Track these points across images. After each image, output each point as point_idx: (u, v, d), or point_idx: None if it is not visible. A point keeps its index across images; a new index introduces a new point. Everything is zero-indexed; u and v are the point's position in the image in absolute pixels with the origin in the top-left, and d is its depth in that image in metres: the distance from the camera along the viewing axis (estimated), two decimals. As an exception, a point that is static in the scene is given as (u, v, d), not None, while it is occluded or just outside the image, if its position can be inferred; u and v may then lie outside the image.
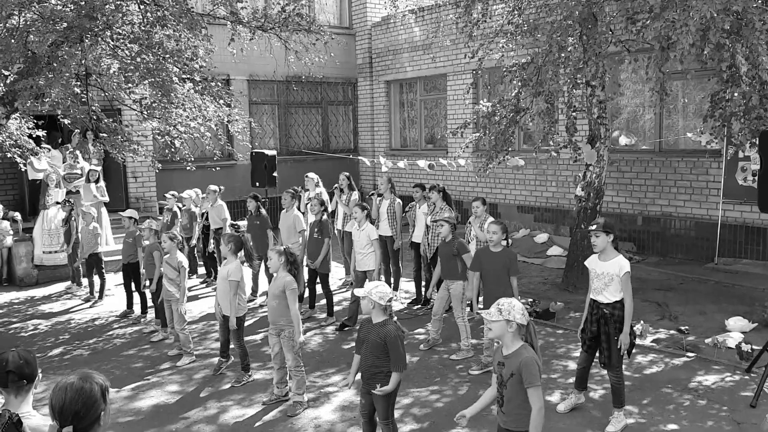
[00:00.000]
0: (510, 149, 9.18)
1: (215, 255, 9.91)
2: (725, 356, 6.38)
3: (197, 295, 9.49)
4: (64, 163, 11.28)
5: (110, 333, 8.01)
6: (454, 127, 11.14)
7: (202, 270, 10.60)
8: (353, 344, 5.55)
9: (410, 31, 15.01)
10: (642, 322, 7.10)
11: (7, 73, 7.39)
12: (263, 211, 9.08)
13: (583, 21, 7.82)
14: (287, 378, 5.81)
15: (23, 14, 7.32)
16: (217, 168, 11.84)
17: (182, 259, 7.07)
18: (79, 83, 8.24)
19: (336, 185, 9.54)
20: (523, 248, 11.22)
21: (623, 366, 5.16)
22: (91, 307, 9.21)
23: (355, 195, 9.42)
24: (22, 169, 10.42)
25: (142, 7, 8.09)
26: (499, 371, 3.62)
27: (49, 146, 10.53)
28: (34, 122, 8.83)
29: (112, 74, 8.51)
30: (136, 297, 8.59)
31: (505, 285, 5.91)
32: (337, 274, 9.82)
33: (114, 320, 8.52)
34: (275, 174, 11.07)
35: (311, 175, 10.00)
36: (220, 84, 9.35)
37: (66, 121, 8.69)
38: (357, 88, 16.81)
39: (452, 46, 13.07)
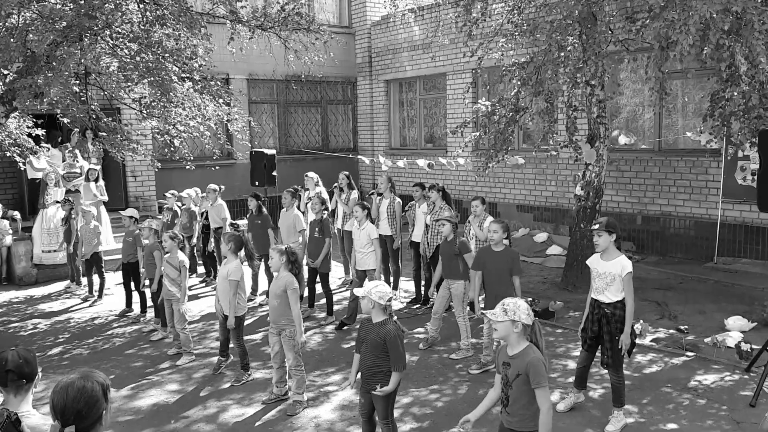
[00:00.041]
0: (509, 149, 9.18)
1: (215, 254, 9.91)
2: (725, 355, 6.39)
3: (197, 295, 9.49)
4: (63, 162, 11.27)
5: (110, 332, 8.01)
6: (453, 126, 11.14)
7: (201, 269, 10.60)
8: (353, 343, 5.56)
9: (410, 31, 15.01)
10: (641, 321, 7.11)
11: (6, 72, 7.38)
12: (264, 210, 9.07)
13: (583, 20, 7.82)
14: (286, 377, 5.81)
15: (22, 13, 7.32)
16: (217, 167, 11.83)
17: (183, 258, 7.07)
18: (78, 82, 8.24)
19: (335, 184, 9.55)
20: (523, 247, 11.23)
21: (623, 365, 5.16)
22: (90, 306, 9.21)
23: (355, 194, 9.42)
24: (22, 168, 10.43)
25: (141, 6, 8.09)
26: (504, 371, 3.60)
27: (48, 145, 10.53)
28: (33, 121, 8.82)
29: (111, 73, 8.50)
30: (136, 296, 8.59)
31: (507, 284, 5.90)
32: (336, 273, 9.81)
33: (113, 319, 8.52)
34: (275, 173, 11.08)
35: (311, 174, 10.00)
36: (219, 83, 9.35)
37: (65, 120, 8.68)
38: (356, 87, 16.80)
39: (452, 46, 13.07)
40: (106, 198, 11.29)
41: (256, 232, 8.84)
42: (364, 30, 16.33)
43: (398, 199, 8.90)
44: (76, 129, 10.96)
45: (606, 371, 5.25)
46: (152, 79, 7.94)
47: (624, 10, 7.91)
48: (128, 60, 7.97)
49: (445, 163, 10.62)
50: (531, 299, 8.14)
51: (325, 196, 9.33)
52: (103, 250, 9.61)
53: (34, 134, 8.82)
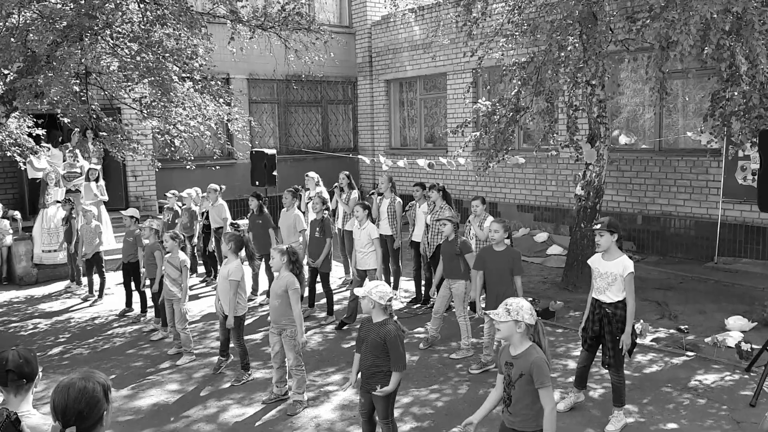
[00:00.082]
0: (510, 148, 9.18)
1: (215, 254, 9.92)
2: (725, 355, 6.39)
3: (197, 295, 9.49)
4: (63, 161, 11.28)
5: (110, 332, 8.01)
6: (453, 126, 11.14)
7: (202, 269, 10.60)
8: (353, 343, 5.56)
9: (410, 30, 15.00)
10: (642, 321, 7.10)
11: (6, 71, 7.38)
12: (265, 209, 9.07)
13: (583, 20, 7.82)
14: (286, 377, 5.81)
15: (23, 13, 7.32)
16: (217, 167, 11.83)
17: (184, 258, 7.07)
18: (78, 82, 8.24)
19: (336, 184, 9.55)
20: (523, 247, 11.22)
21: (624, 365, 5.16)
22: (90, 306, 9.21)
23: (355, 194, 9.42)
24: (22, 168, 10.43)
25: (141, 5, 8.09)
26: (507, 371, 3.60)
27: (48, 145, 10.54)
28: (33, 121, 8.82)
29: (111, 73, 8.50)
30: (136, 296, 8.59)
31: (508, 284, 5.90)
32: (336, 273, 9.82)
33: (114, 319, 8.53)
34: (275, 173, 11.08)
35: (311, 174, 10.00)
36: (219, 83, 9.34)
37: (66, 120, 8.69)
38: (357, 87, 16.80)
39: (452, 45, 13.07)
40: (106, 198, 11.29)
41: (257, 231, 8.84)
42: (365, 30, 16.33)
43: (399, 199, 8.90)
44: (76, 129, 10.96)
45: (606, 371, 5.25)
46: (152, 78, 7.94)
47: (624, 9, 7.92)
48: (128, 60, 7.97)
49: (446, 162, 10.62)
50: (531, 299, 8.13)
51: (326, 195, 9.34)
52: (103, 249, 9.61)
53: (34, 134, 8.82)
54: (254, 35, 8.88)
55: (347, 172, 9.65)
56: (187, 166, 9.60)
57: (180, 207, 10.15)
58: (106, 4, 7.31)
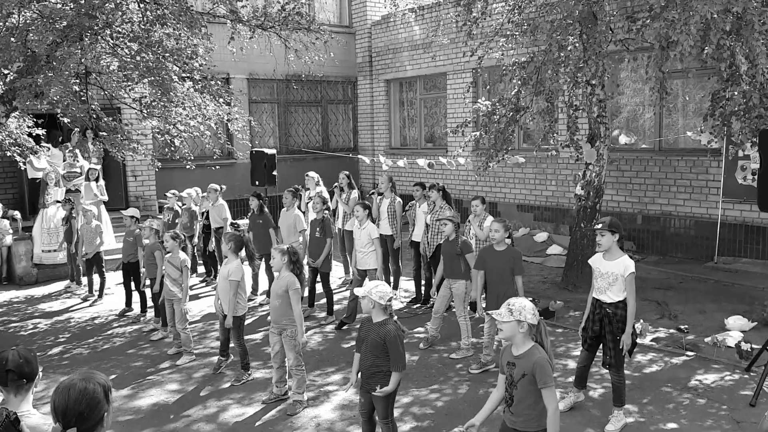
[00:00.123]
0: (510, 148, 9.18)
1: (215, 254, 9.92)
2: (725, 355, 6.39)
3: (197, 294, 9.48)
4: (63, 161, 11.28)
5: (110, 332, 8.01)
6: (453, 125, 11.14)
7: (202, 269, 10.60)
8: (353, 343, 5.56)
9: (410, 30, 15.00)
10: (642, 321, 7.10)
11: (6, 71, 7.38)
12: (266, 209, 9.07)
13: (583, 20, 7.82)
14: (286, 377, 5.81)
15: (23, 13, 7.32)
16: (217, 167, 11.83)
17: (185, 258, 7.07)
18: (78, 82, 8.24)
19: (336, 184, 9.55)
20: (523, 247, 11.22)
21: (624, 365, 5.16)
22: (90, 306, 9.21)
23: (355, 194, 9.42)
24: (22, 168, 10.43)
25: (141, 5, 8.09)
26: (509, 371, 3.59)
27: (48, 145, 10.53)
28: (33, 121, 8.82)
29: (111, 73, 8.50)
30: (136, 296, 8.59)
31: (509, 284, 5.90)
32: (336, 273, 9.81)
33: (113, 319, 8.53)
34: (275, 173, 11.08)
35: (311, 174, 10.00)
36: (219, 83, 9.34)
37: (66, 120, 8.69)
38: (357, 86, 16.80)
39: (452, 45, 13.07)
40: (106, 198, 11.29)
41: (257, 231, 8.84)
42: (365, 29, 16.32)
43: (399, 199, 8.90)
44: (76, 129, 10.96)
45: (606, 371, 5.25)
46: (152, 78, 7.94)
47: (624, 9, 7.92)
48: (128, 59, 7.97)
49: (446, 162, 10.62)
50: (531, 299, 8.12)
51: (326, 195, 9.34)
52: (103, 249, 9.62)
53: (34, 134, 8.82)
54: (254, 35, 8.88)
55: (347, 172, 9.65)
56: (187, 166, 9.60)
57: (180, 207, 10.15)
58: (106, 4, 7.31)
